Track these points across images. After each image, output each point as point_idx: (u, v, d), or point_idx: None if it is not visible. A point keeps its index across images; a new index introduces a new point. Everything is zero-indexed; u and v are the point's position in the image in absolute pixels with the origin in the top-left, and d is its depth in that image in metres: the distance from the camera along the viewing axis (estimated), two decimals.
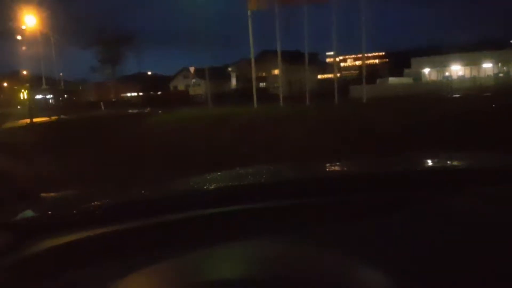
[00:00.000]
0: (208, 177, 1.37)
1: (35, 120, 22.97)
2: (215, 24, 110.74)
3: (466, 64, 55.95)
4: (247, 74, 44.02)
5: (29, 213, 1.09)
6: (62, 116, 26.56)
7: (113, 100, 46.22)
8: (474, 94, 24.89)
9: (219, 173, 1.44)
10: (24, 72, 45.80)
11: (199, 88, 52.95)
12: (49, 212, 1.13)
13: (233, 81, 63.33)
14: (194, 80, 54.96)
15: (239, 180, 1.34)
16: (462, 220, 0.90)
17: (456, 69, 56.87)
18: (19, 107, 30.14)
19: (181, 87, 63.06)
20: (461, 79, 49.57)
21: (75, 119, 23.21)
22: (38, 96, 45.03)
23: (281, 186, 1.15)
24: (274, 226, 0.93)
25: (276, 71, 40.34)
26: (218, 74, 54.34)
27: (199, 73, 44.78)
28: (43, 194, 1.36)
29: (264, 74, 55.50)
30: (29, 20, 33.34)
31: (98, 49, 55.38)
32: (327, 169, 1.55)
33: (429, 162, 1.56)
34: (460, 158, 1.58)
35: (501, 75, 49.12)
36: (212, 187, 1.25)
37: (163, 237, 0.93)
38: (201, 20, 39.15)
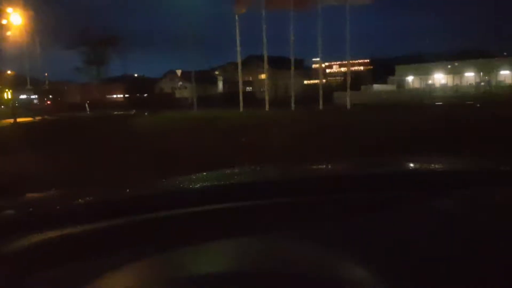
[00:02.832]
0: (194, 177, 1.37)
1: (18, 120, 22.74)
2: (202, 27, 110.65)
3: (448, 72, 56.97)
4: (233, 78, 44.11)
5: (9, 210, 1.07)
6: (46, 117, 26.33)
7: (99, 101, 45.78)
8: (456, 102, 25.41)
9: (205, 173, 1.45)
10: (9, 72, 45.13)
11: (185, 91, 52.77)
12: (30, 209, 1.12)
13: (220, 85, 63.28)
14: (180, 83, 54.82)
15: (225, 180, 1.34)
16: (449, 220, 0.92)
17: (439, 77, 57.84)
18: (2, 107, 29.74)
19: (167, 89, 62.76)
20: (444, 87, 50.42)
21: (60, 120, 23.01)
22: (23, 96, 44.51)
23: (268, 185, 1.16)
24: (261, 223, 0.94)
25: (263, 76, 40.49)
26: (205, 78, 54.29)
27: (186, 76, 44.69)
28: (28, 194, 1.36)
29: (250, 78, 55.60)
30: (14, 19, 32.82)
31: (84, 50, 55.03)
32: (314, 169, 1.57)
33: (415, 164, 1.60)
34: (445, 160, 1.59)
35: (482, 84, 50.07)
36: (198, 186, 1.26)
37: (147, 234, 0.93)
38: (188, 24, 39.27)
